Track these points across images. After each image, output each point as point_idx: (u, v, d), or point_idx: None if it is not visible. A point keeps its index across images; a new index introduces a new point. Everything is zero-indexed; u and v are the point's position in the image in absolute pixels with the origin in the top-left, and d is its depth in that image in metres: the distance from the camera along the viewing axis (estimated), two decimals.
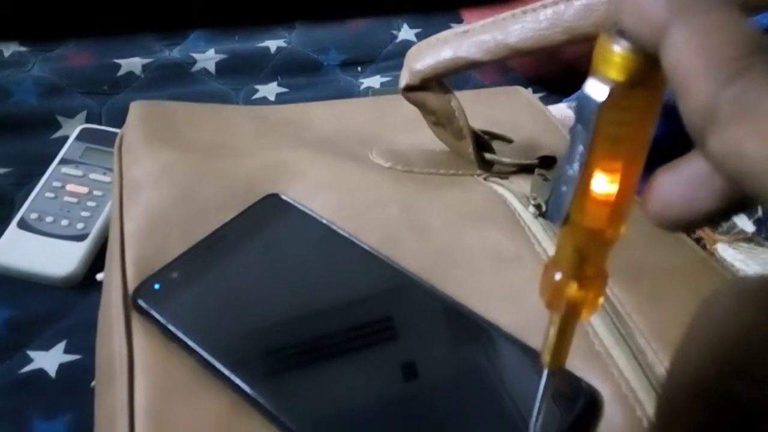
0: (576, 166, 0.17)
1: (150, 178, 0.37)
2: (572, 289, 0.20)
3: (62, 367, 0.44)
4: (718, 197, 0.17)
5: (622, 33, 0.16)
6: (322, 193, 0.36)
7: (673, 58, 0.15)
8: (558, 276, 0.20)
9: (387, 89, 0.67)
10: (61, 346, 0.45)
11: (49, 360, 0.44)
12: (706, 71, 0.15)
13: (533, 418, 0.25)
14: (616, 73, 0.16)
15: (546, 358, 0.21)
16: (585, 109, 0.17)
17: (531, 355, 0.29)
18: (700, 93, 0.15)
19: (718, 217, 0.17)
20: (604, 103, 0.16)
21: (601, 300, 0.21)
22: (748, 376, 0.20)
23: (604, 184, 0.18)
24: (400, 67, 0.39)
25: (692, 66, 0.15)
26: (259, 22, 0.18)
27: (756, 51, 0.15)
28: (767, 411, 0.17)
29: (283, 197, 0.36)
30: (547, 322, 0.21)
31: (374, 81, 0.70)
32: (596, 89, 0.16)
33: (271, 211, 0.35)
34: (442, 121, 0.38)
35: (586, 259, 0.19)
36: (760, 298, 0.20)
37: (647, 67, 0.16)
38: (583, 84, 0.17)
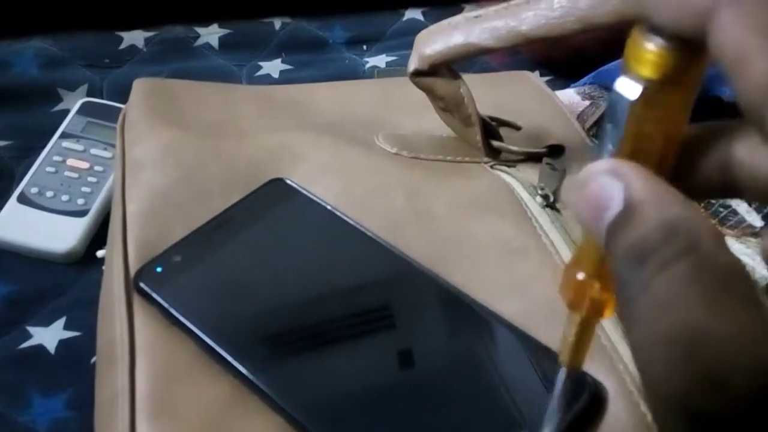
0: None
1: (153, 158, 0.36)
2: (595, 289, 0.19)
3: (62, 344, 0.44)
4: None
5: (655, 29, 0.16)
6: (326, 177, 0.36)
7: (723, 38, 0.15)
8: (581, 276, 0.19)
9: (393, 69, 0.66)
10: (61, 322, 0.45)
11: (48, 336, 0.44)
12: (766, 47, 0.14)
13: (546, 417, 0.24)
14: (649, 72, 0.16)
15: (565, 358, 0.21)
16: (616, 107, 0.16)
17: (534, 346, 0.29)
18: (760, 70, 0.14)
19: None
20: (636, 101, 0.16)
21: None
22: None
23: None
24: (406, 46, 0.38)
25: (747, 44, 0.14)
26: (263, 14, 0.17)
27: None
28: None
29: (288, 182, 0.35)
30: (566, 322, 0.21)
31: (380, 60, 0.69)
32: (628, 88, 0.16)
33: (275, 195, 0.35)
34: (451, 108, 0.38)
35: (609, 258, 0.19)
36: None
37: (681, 64, 0.16)
38: (615, 83, 0.16)
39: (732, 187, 0.18)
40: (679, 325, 0.14)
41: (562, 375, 0.21)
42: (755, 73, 0.14)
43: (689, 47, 0.16)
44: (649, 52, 0.16)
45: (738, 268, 0.15)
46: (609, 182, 0.16)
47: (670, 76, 0.16)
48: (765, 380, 0.13)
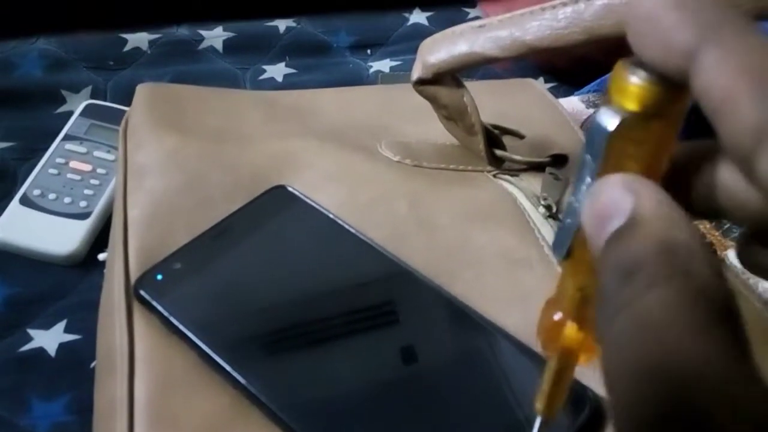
0: (582, 198, 0.16)
1: (155, 163, 0.36)
2: (571, 331, 0.18)
3: (62, 347, 0.44)
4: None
5: (639, 63, 0.16)
6: (329, 185, 0.36)
7: (707, 81, 0.14)
8: (557, 316, 0.18)
9: (396, 74, 0.66)
10: (62, 325, 0.45)
11: (49, 339, 0.44)
12: (752, 91, 0.14)
13: None
14: (630, 104, 0.16)
15: (540, 405, 0.20)
16: (595, 138, 0.16)
17: (536, 359, 0.29)
18: (747, 114, 0.14)
19: None
20: (614, 132, 0.16)
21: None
22: None
23: None
24: (410, 50, 0.38)
25: (733, 87, 0.14)
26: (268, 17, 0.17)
27: None
28: None
29: (290, 189, 0.35)
30: (545, 367, 0.20)
31: (384, 64, 0.68)
32: (608, 118, 0.16)
33: (277, 203, 0.34)
34: (454, 116, 0.37)
35: (588, 299, 0.18)
36: None
37: (664, 99, 0.15)
38: (595, 114, 0.16)
39: (721, 214, 0.17)
40: (662, 351, 0.13)
41: (537, 423, 0.20)
42: (742, 116, 0.14)
43: (673, 83, 0.15)
44: (632, 84, 0.15)
45: (731, 303, 0.14)
46: (620, 195, 0.15)
47: (652, 110, 0.16)
48: (754, 422, 0.13)
